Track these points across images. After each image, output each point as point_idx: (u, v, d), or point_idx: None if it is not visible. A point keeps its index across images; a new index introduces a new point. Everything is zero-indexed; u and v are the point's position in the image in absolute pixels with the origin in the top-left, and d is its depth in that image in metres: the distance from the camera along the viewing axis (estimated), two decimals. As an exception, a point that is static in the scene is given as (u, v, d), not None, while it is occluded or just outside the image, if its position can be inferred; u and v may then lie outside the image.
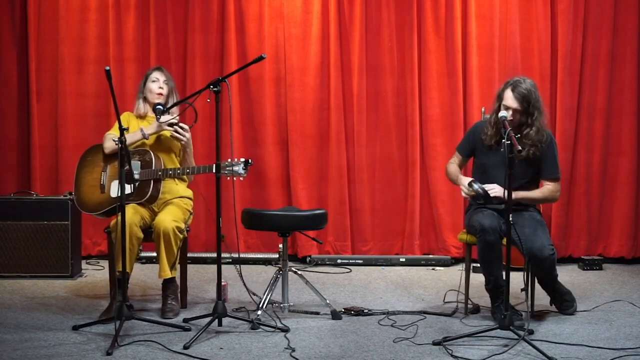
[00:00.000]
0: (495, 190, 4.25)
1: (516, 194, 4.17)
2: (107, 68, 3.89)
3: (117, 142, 4.04)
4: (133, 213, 4.40)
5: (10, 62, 6.20)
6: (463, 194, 4.39)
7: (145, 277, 5.48)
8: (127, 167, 4.10)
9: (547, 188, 4.45)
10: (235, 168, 4.24)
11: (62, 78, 6.16)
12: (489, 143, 4.43)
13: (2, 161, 6.22)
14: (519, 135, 4.27)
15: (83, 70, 6.19)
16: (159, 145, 4.65)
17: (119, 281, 4.17)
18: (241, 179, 4.33)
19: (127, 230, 4.26)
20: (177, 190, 4.68)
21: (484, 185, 4.25)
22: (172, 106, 4.60)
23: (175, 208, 4.56)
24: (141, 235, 4.43)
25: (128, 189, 4.22)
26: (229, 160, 4.26)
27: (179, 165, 4.70)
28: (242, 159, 4.26)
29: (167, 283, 4.52)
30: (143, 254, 5.91)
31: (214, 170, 4.25)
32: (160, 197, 4.56)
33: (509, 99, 4.33)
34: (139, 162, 4.50)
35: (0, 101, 6.22)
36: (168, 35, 6.21)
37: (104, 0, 6.15)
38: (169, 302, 4.49)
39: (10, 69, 6.21)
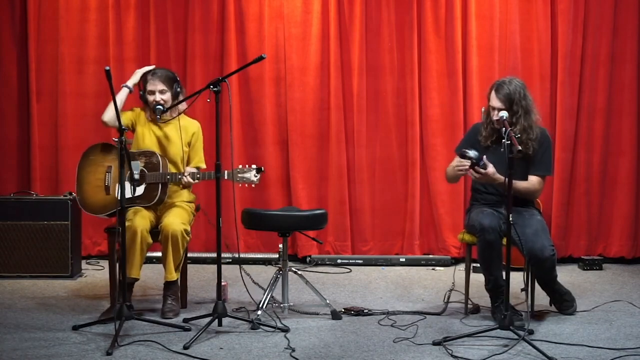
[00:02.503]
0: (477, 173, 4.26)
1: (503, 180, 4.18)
2: (107, 68, 3.89)
3: (117, 142, 4.03)
4: (142, 218, 4.39)
5: (10, 62, 6.20)
6: (459, 170, 4.31)
7: (145, 277, 5.45)
8: (133, 170, 4.13)
9: (531, 182, 4.45)
10: (247, 175, 4.27)
11: (62, 78, 6.15)
12: (485, 144, 4.45)
13: (2, 161, 6.22)
14: (519, 135, 4.27)
15: (83, 70, 6.19)
16: (162, 148, 4.63)
17: (124, 283, 4.17)
18: (253, 185, 4.36)
19: (139, 236, 4.30)
20: (181, 194, 4.66)
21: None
22: (171, 106, 4.59)
23: (181, 211, 4.55)
24: (151, 241, 4.43)
25: (130, 191, 4.23)
26: (240, 166, 4.28)
27: (179, 169, 4.67)
28: (254, 166, 4.30)
29: (169, 284, 4.52)
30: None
31: (225, 177, 4.29)
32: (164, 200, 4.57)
33: (493, 99, 4.41)
34: (138, 162, 4.49)
35: (0, 101, 6.21)
36: (168, 35, 6.20)
37: (104, 0, 6.14)
38: (169, 302, 4.49)
39: (10, 69, 6.21)
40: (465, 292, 4.59)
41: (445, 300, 4.70)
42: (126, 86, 4.62)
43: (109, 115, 4.52)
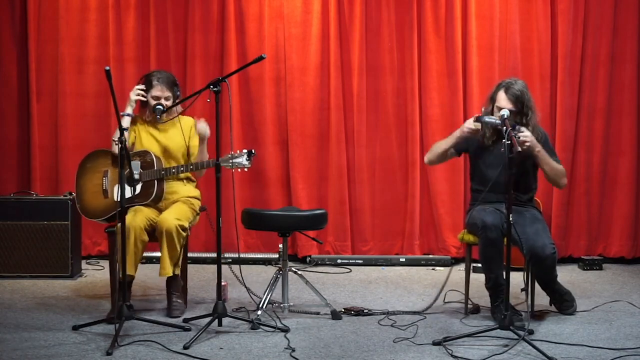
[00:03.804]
0: (526, 135, 4.22)
1: (540, 154, 4.30)
2: (107, 68, 3.90)
3: (116, 142, 4.04)
4: (139, 216, 4.39)
5: (10, 62, 6.20)
6: (465, 130, 4.37)
7: (145, 277, 5.47)
8: (128, 170, 4.11)
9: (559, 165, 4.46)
10: (239, 160, 4.27)
11: (62, 78, 6.15)
12: (487, 144, 4.45)
13: (2, 161, 6.22)
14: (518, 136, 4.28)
15: (83, 70, 6.19)
16: (162, 149, 4.64)
17: (124, 284, 4.17)
18: (245, 169, 4.35)
19: (132, 233, 4.29)
20: (184, 190, 4.66)
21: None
22: (172, 106, 4.60)
23: (181, 207, 4.54)
24: (146, 238, 4.43)
25: (129, 191, 4.23)
26: (232, 152, 4.28)
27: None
28: (245, 150, 4.29)
29: (171, 281, 4.51)
30: (143, 254, 5.90)
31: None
32: (167, 197, 4.57)
33: (503, 100, 4.37)
34: (139, 162, 4.50)
35: (0, 101, 6.22)
36: (168, 35, 6.21)
37: (104, 0, 6.15)
38: (174, 299, 4.48)
39: (10, 69, 6.21)
40: (465, 292, 4.59)
41: (443, 300, 4.69)
42: (127, 114, 4.60)
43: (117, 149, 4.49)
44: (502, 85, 4.42)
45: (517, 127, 4.24)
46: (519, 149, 3.91)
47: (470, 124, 4.36)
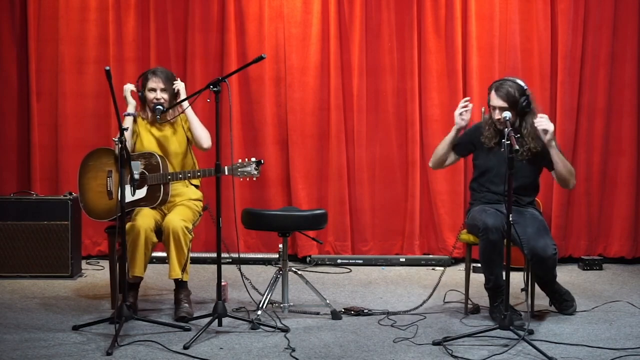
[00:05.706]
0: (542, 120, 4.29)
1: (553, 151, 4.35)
2: (107, 68, 3.91)
3: (117, 142, 4.04)
4: (147, 217, 4.39)
5: (10, 62, 6.20)
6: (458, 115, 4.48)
7: (146, 277, 5.43)
8: (133, 170, 4.14)
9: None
10: (248, 169, 4.29)
11: (62, 78, 6.16)
12: (489, 145, 4.44)
13: (2, 161, 6.22)
14: (518, 135, 4.27)
15: (83, 70, 6.19)
16: (162, 148, 4.64)
17: (130, 285, 4.15)
18: (254, 179, 4.37)
19: (142, 234, 4.30)
20: (187, 192, 4.65)
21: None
22: (171, 106, 4.59)
23: (185, 209, 4.54)
24: (156, 239, 4.43)
25: (130, 192, 4.23)
26: (240, 160, 4.29)
27: (184, 167, 4.67)
28: (254, 159, 4.29)
29: (180, 287, 4.49)
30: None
31: (225, 173, 4.29)
32: (170, 199, 4.56)
33: (494, 99, 4.39)
34: (139, 162, 4.49)
35: (0, 101, 6.22)
36: (168, 35, 6.21)
37: (104, 0, 6.15)
38: (184, 305, 4.43)
39: (10, 69, 6.21)
40: (465, 292, 4.59)
41: (443, 300, 4.69)
42: (128, 114, 4.59)
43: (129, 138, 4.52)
44: (494, 85, 4.44)
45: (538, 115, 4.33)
46: (516, 147, 3.90)
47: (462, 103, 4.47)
